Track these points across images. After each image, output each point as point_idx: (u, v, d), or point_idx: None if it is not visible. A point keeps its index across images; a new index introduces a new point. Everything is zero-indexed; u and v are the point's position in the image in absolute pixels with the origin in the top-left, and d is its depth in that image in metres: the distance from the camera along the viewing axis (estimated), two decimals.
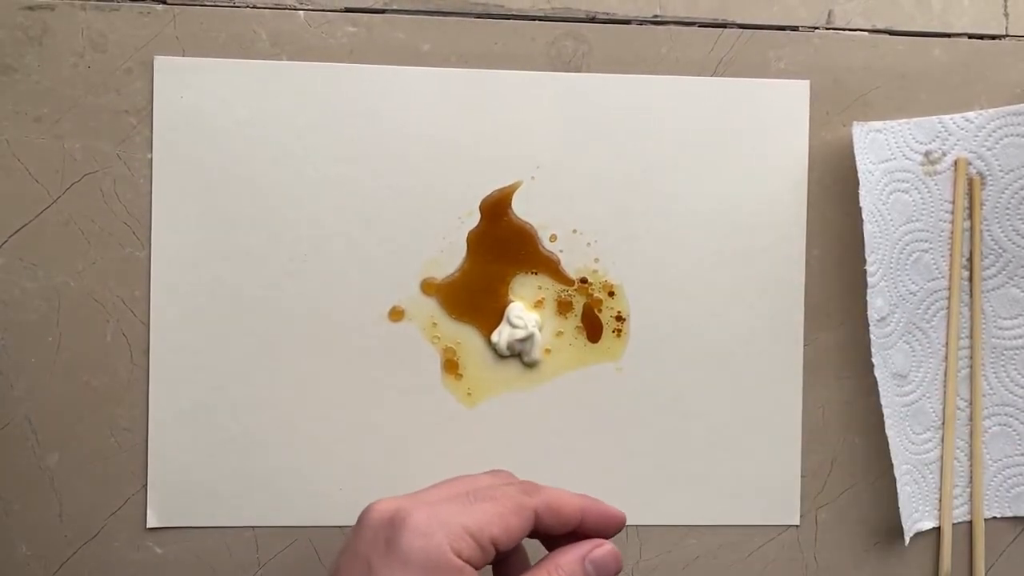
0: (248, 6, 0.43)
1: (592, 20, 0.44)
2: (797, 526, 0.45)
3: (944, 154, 0.45)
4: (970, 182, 0.45)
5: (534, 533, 0.33)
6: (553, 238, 0.44)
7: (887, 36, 0.45)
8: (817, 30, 0.45)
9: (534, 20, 0.44)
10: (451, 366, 0.44)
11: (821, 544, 0.45)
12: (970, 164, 0.45)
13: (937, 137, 0.45)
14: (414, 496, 0.32)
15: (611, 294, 0.44)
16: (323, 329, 0.43)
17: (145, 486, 0.43)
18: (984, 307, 0.46)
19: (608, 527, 0.34)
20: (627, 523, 0.44)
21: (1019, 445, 0.46)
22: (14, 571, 0.42)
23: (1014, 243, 0.45)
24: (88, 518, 0.43)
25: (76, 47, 0.42)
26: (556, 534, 0.33)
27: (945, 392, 0.46)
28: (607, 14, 0.44)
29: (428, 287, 0.44)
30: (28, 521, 0.43)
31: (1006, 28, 0.46)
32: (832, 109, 0.45)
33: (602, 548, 0.32)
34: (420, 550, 0.28)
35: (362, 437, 0.43)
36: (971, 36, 0.46)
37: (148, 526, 0.43)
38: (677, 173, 0.44)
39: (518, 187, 0.44)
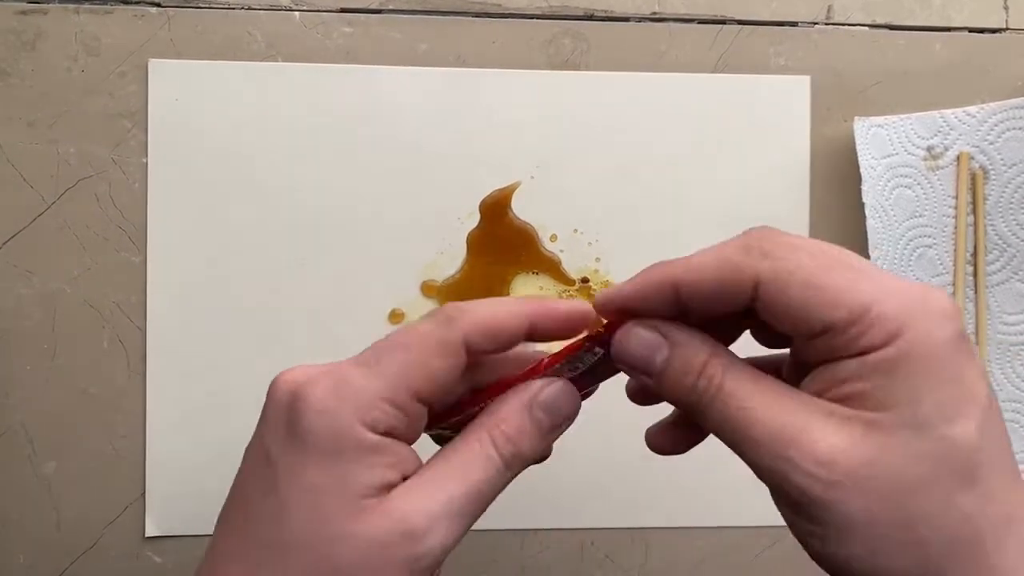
0: (243, 7, 0.42)
1: (590, 18, 0.44)
2: None
3: (946, 149, 0.44)
4: (973, 177, 0.45)
5: (485, 359, 0.26)
6: (554, 238, 0.44)
7: (887, 31, 0.45)
8: (817, 25, 0.45)
9: (532, 19, 0.44)
10: None
11: None
12: (972, 159, 0.44)
13: (939, 132, 0.44)
14: (325, 365, 0.25)
15: None
16: (323, 333, 0.43)
17: (143, 494, 0.42)
18: (989, 302, 0.45)
19: (572, 326, 0.26)
20: (633, 526, 0.44)
21: None
22: None
23: (1018, 237, 0.45)
24: (86, 527, 0.42)
25: (70, 51, 0.42)
26: (500, 353, 0.26)
27: None
28: (605, 12, 0.44)
29: (428, 289, 0.43)
30: (25, 531, 0.42)
31: (1006, 21, 0.46)
32: (833, 105, 0.45)
33: (552, 386, 0.26)
34: (324, 431, 0.23)
35: None
36: (971, 30, 0.45)
37: (147, 535, 0.42)
38: (678, 171, 0.44)
39: (518, 187, 0.43)
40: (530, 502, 0.44)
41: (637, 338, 0.24)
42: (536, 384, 0.26)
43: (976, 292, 0.45)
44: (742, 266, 0.22)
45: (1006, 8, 0.46)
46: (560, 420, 0.26)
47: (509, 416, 0.25)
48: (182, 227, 0.42)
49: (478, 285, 0.43)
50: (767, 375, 0.23)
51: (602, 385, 0.43)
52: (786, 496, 0.22)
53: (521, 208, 0.43)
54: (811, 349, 0.22)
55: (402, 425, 0.24)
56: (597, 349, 0.26)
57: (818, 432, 0.21)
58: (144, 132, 0.42)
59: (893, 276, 0.22)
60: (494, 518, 0.44)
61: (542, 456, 0.26)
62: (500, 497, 0.44)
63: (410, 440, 0.24)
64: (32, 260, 0.42)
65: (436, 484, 0.24)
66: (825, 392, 0.22)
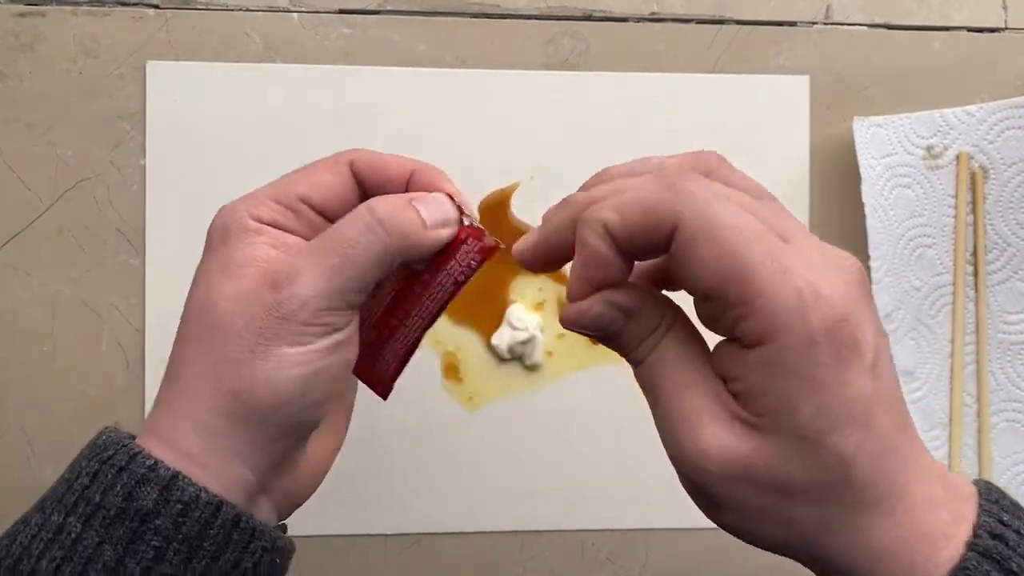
0: (241, 9, 0.42)
1: (589, 18, 0.44)
2: None
3: (946, 148, 0.44)
4: (972, 176, 0.45)
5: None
6: None
7: (886, 30, 0.45)
8: (816, 25, 0.45)
9: (530, 19, 0.44)
10: (451, 371, 0.43)
11: None
12: (972, 158, 0.44)
13: (938, 131, 0.44)
14: None
15: None
16: None
17: None
18: (989, 302, 0.45)
19: (443, 189, 0.29)
20: (634, 527, 0.44)
21: None
22: None
23: (1018, 237, 0.45)
24: None
25: (68, 53, 0.42)
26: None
27: (952, 389, 0.45)
28: (604, 12, 0.44)
29: None
30: None
31: (1005, 21, 0.46)
32: (832, 104, 0.44)
33: (433, 193, 0.28)
34: (220, 225, 0.27)
35: (363, 445, 0.43)
36: (970, 29, 0.45)
37: None
38: None
39: (517, 188, 0.43)
40: (530, 503, 0.44)
41: (593, 316, 0.25)
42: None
43: (976, 291, 0.45)
44: (663, 207, 0.23)
45: (1005, 8, 0.46)
46: (438, 216, 0.27)
47: (388, 199, 0.27)
48: (180, 229, 0.42)
49: (477, 286, 0.43)
50: (698, 346, 0.25)
51: (601, 382, 0.43)
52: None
53: (520, 209, 0.43)
54: (700, 309, 0.24)
55: (289, 221, 0.27)
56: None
57: (707, 423, 0.23)
58: (142, 134, 0.42)
59: (804, 258, 0.22)
60: (494, 519, 0.44)
61: (424, 252, 0.27)
62: (500, 498, 0.44)
63: (305, 237, 0.27)
64: (31, 262, 0.42)
65: (307, 247, 0.26)
66: (724, 379, 0.23)
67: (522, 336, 0.42)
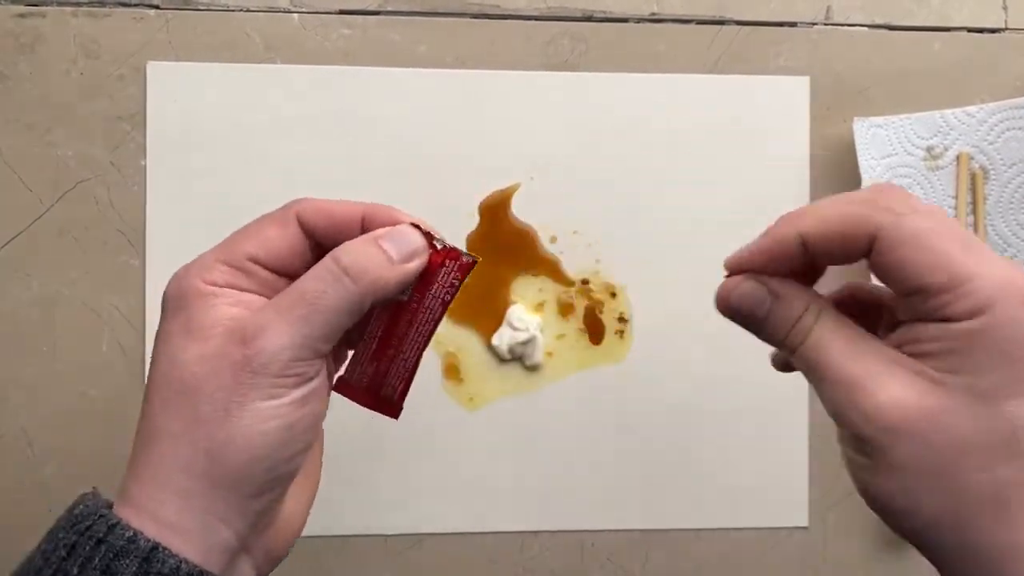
0: (241, 9, 0.42)
1: (589, 19, 0.44)
2: (806, 528, 0.45)
3: (946, 149, 0.44)
4: (973, 176, 0.45)
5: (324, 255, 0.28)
6: (553, 239, 0.43)
7: (886, 31, 0.45)
8: (816, 26, 0.45)
9: (530, 20, 0.44)
10: (452, 371, 0.43)
11: (830, 546, 0.45)
12: (972, 158, 0.44)
13: (939, 132, 0.44)
14: None
15: (613, 295, 0.44)
16: None
17: None
18: None
19: (402, 221, 0.29)
20: (635, 527, 0.44)
21: None
22: None
23: (1018, 237, 0.45)
24: None
25: (68, 54, 0.42)
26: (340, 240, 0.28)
27: None
28: (604, 13, 0.44)
29: None
30: (23, 533, 0.42)
31: (1005, 21, 0.46)
32: (833, 105, 0.44)
33: (399, 226, 0.28)
34: (174, 293, 0.27)
35: (363, 446, 0.43)
36: (970, 30, 0.45)
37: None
38: (677, 171, 0.44)
39: (517, 188, 0.43)
40: (530, 504, 0.44)
41: (741, 292, 0.27)
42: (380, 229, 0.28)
43: None
44: (864, 219, 0.24)
45: (1005, 8, 0.46)
46: (406, 248, 0.28)
47: (353, 243, 0.27)
48: (181, 229, 0.42)
49: (478, 287, 0.43)
50: (854, 326, 0.25)
51: (601, 383, 0.43)
52: (846, 431, 0.24)
53: (521, 209, 0.43)
54: (902, 306, 0.25)
55: (243, 281, 0.27)
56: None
57: (884, 380, 0.24)
58: (143, 134, 0.42)
59: (997, 257, 0.24)
60: (494, 520, 0.44)
61: (396, 288, 0.28)
62: (501, 498, 0.44)
63: (261, 295, 0.28)
64: (31, 263, 0.42)
65: (273, 302, 0.27)
66: (903, 345, 0.24)
67: (522, 337, 0.42)
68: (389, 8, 0.43)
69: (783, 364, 0.30)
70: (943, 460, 0.23)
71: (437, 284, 0.29)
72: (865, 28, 0.45)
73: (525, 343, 0.43)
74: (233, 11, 0.42)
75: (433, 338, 0.44)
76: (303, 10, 0.43)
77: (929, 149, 0.44)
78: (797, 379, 0.45)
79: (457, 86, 0.43)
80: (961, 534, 0.23)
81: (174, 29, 0.42)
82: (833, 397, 0.24)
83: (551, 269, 0.43)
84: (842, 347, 0.25)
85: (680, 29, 0.44)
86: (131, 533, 0.25)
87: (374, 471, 0.43)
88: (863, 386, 0.24)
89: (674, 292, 0.44)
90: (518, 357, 0.43)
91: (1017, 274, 0.23)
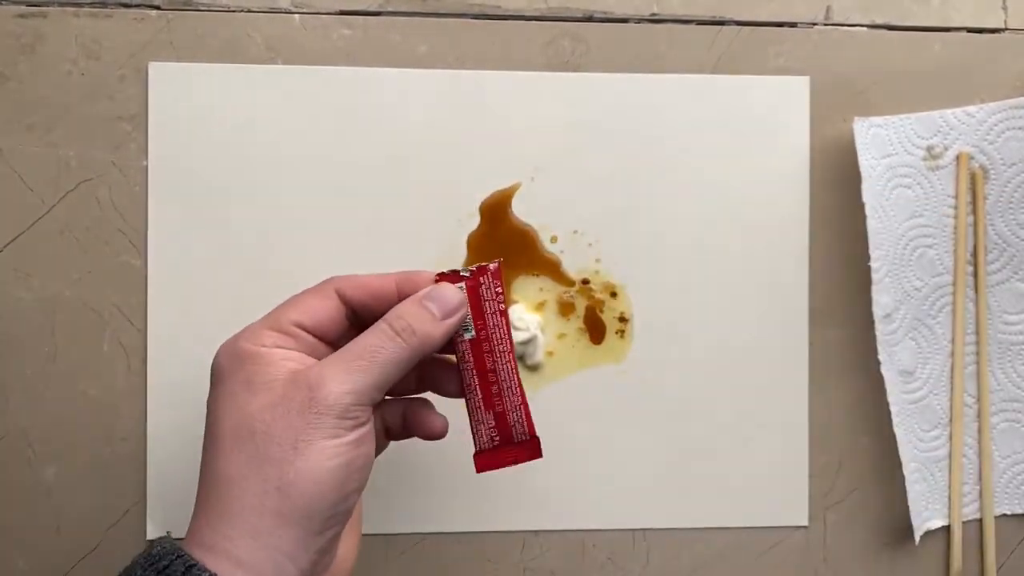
0: (242, 10, 0.42)
1: (589, 19, 0.44)
2: (806, 527, 0.45)
3: (946, 149, 0.44)
4: (972, 176, 0.45)
5: (360, 323, 0.32)
6: (554, 239, 0.44)
7: (886, 31, 0.45)
8: (816, 26, 0.45)
9: (531, 20, 0.44)
10: None
11: (830, 545, 0.45)
12: (972, 158, 0.45)
13: (939, 132, 0.44)
14: None
15: (613, 295, 0.44)
16: None
17: (144, 497, 0.42)
18: (989, 302, 0.45)
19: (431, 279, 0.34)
20: (634, 527, 0.44)
21: None
22: None
23: (1018, 237, 0.45)
24: (86, 531, 0.42)
25: (69, 54, 0.42)
26: (381, 311, 0.32)
27: (952, 389, 0.45)
28: (604, 13, 0.44)
29: None
30: (25, 535, 0.42)
31: (1005, 21, 0.46)
32: (832, 105, 0.45)
33: (438, 284, 0.32)
34: (227, 355, 0.30)
35: None
36: (970, 30, 0.46)
37: (148, 538, 0.42)
38: (678, 172, 0.44)
39: (518, 188, 0.43)
40: (531, 504, 0.44)
41: None
42: (428, 288, 0.32)
43: (976, 292, 0.45)
44: None
45: (1005, 8, 0.46)
46: (447, 306, 0.32)
47: (407, 307, 0.31)
48: (182, 229, 0.42)
49: None
50: None
51: (602, 382, 0.43)
52: None
53: (521, 209, 0.43)
54: None
55: (289, 343, 0.31)
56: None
57: None
58: (144, 135, 0.42)
59: None
60: (495, 520, 0.44)
61: (444, 339, 0.32)
62: (501, 499, 0.44)
63: (316, 356, 0.31)
64: (32, 263, 0.42)
65: (334, 355, 0.30)
66: None
67: (523, 336, 0.42)
68: (390, 9, 0.43)
69: None
70: None
71: (486, 302, 0.33)
72: (865, 28, 0.45)
73: (526, 343, 0.43)
74: (234, 12, 0.42)
75: None
76: (304, 11, 0.43)
77: (929, 149, 0.44)
78: (796, 377, 0.45)
79: (458, 86, 0.43)
80: None
81: (175, 29, 0.42)
82: None
83: (551, 269, 0.44)
84: None
85: (680, 29, 0.44)
86: (208, 573, 0.27)
87: (375, 471, 0.43)
88: None
89: (675, 292, 0.44)
90: (519, 356, 0.43)
91: None
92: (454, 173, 0.43)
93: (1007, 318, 0.45)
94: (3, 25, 0.41)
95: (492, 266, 0.33)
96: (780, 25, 0.45)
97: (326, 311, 0.31)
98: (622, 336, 0.44)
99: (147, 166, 0.42)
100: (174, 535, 0.42)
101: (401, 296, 0.32)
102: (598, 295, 0.44)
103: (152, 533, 0.42)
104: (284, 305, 0.32)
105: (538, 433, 0.34)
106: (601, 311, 0.44)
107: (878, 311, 0.43)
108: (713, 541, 0.45)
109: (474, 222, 0.43)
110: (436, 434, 0.35)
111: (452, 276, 0.33)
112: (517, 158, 0.43)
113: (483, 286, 0.33)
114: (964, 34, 0.45)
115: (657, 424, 0.44)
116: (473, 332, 0.33)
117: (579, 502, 0.44)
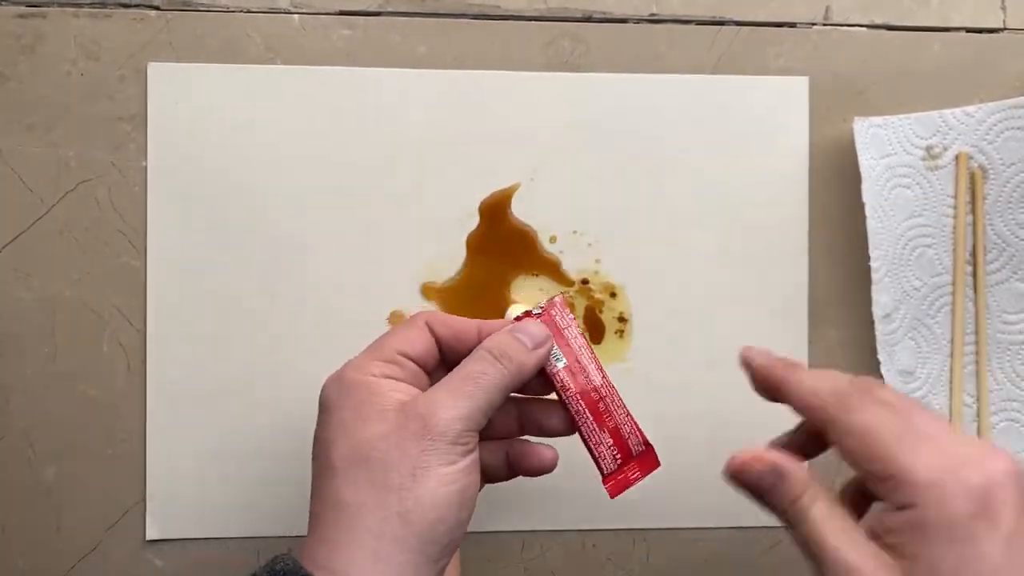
0: (242, 10, 0.42)
1: (589, 20, 0.44)
2: None
3: (945, 148, 0.44)
4: (972, 176, 0.45)
5: (452, 357, 0.34)
6: (553, 239, 0.44)
7: (886, 31, 0.45)
8: (815, 26, 0.45)
9: (531, 21, 0.44)
10: None
11: None
12: (971, 158, 0.45)
13: (938, 132, 0.44)
14: None
15: (613, 295, 0.44)
16: (323, 335, 0.43)
17: (144, 498, 0.42)
18: (989, 302, 0.45)
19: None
20: (634, 527, 0.44)
21: None
22: None
23: (1017, 237, 0.45)
24: (86, 531, 0.42)
25: (69, 54, 0.42)
26: (461, 351, 0.34)
27: (951, 388, 0.45)
28: (604, 13, 0.44)
29: (428, 291, 0.43)
30: (25, 535, 0.42)
31: (1004, 21, 0.46)
32: (832, 105, 0.45)
33: (522, 321, 0.34)
34: (336, 386, 0.32)
35: None
36: (969, 30, 0.46)
37: (148, 538, 0.42)
38: (677, 172, 0.44)
39: (517, 188, 0.43)
40: (531, 503, 0.44)
41: (755, 469, 0.31)
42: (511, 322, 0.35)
43: (975, 292, 0.45)
44: (821, 410, 0.30)
45: (1004, 8, 0.46)
46: (535, 338, 0.33)
47: (497, 339, 0.33)
48: (182, 230, 0.42)
49: (478, 287, 0.43)
50: (843, 513, 0.29)
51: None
52: None
53: (521, 209, 0.44)
54: (862, 478, 0.29)
55: (396, 372, 0.32)
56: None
57: (867, 572, 0.27)
58: (144, 135, 0.42)
59: (951, 444, 0.27)
60: (495, 519, 0.44)
61: (536, 368, 0.33)
62: (501, 498, 0.44)
63: (411, 384, 0.32)
64: (32, 264, 0.42)
65: (441, 384, 0.32)
66: (876, 537, 0.28)
67: None
68: (389, 9, 0.43)
69: (769, 395, 0.34)
70: None
71: (565, 329, 0.35)
72: (864, 28, 0.45)
73: None
74: (233, 12, 0.42)
75: None
76: (303, 11, 0.43)
77: (928, 149, 0.44)
78: None
79: (457, 86, 0.43)
80: None
81: (175, 30, 0.42)
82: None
83: (551, 269, 0.44)
84: (835, 534, 0.28)
85: (680, 30, 0.44)
86: None
87: None
88: (856, 572, 0.27)
89: (674, 292, 0.44)
90: None
91: (955, 460, 0.27)
92: (454, 173, 0.43)
93: (1006, 318, 0.45)
94: (3, 25, 0.41)
95: (557, 299, 0.35)
96: (779, 25, 0.45)
97: (422, 342, 0.33)
98: (621, 336, 0.44)
99: (146, 166, 0.42)
100: (177, 535, 0.42)
101: (481, 339, 0.34)
102: (597, 295, 0.44)
103: (152, 533, 0.42)
104: (385, 337, 0.33)
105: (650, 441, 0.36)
106: (600, 311, 0.44)
107: (877, 311, 0.43)
108: (713, 541, 0.45)
109: (473, 222, 0.43)
110: (547, 465, 0.35)
111: (527, 315, 0.35)
112: (517, 158, 0.43)
113: (557, 315, 0.35)
114: (963, 34, 0.45)
115: (657, 423, 0.44)
116: (564, 360, 0.34)
117: (579, 502, 0.44)
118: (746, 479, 0.31)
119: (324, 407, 0.32)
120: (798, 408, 0.31)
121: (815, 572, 0.29)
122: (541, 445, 0.35)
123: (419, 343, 0.33)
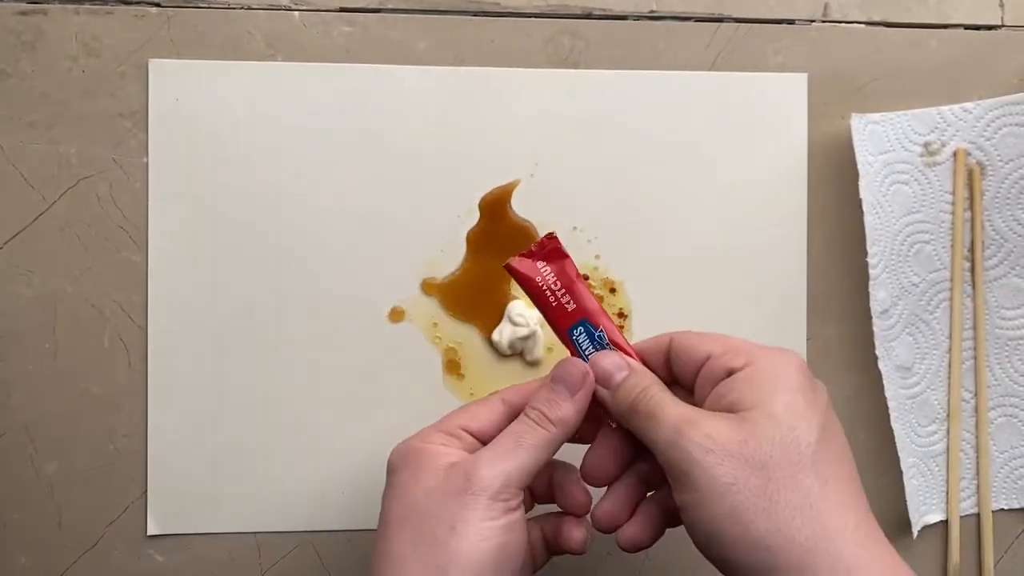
0: (242, 7, 0.43)
1: (588, 16, 0.44)
2: None
3: (943, 145, 0.45)
4: (970, 172, 0.45)
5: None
6: None
7: (884, 28, 0.45)
8: (814, 23, 0.45)
9: (530, 17, 0.44)
10: (453, 366, 0.43)
11: None
12: (969, 154, 0.45)
13: (936, 128, 0.44)
14: None
15: (612, 291, 0.44)
16: (323, 332, 0.43)
17: (145, 493, 0.42)
18: (987, 298, 0.46)
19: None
20: None
21: None
22: None
23: (1015, 233, 0.45)
24: (87, 526, 0.42)
25: (70, 51, 0.42)
26: None
27: (950, 384, 0.46)
28: (603, 10, 0.44)
29: (428, 287, 0.43)
30: (27, 531, 0.42)
31: (1002, 18, 0.46)
32: (830, 102, 0.45)
33: (561, 362, 0.35)
34: (402, 453, 0.34)
35: (364, 440, 0.43)
36: (967, 27, 0.46)
37: (148, 533, 0.42)
38: (676, 168, 0.44)
39: (517, 185, 0.44)
40: None
41: (610, 359, 0.35)
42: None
43: (974, 287, 0.45)
44: (664, 337, 0.35)
45: (1002, 5, 0.46)
46: (571, 382, 0.34)
47: (537, 393, 0.35)
48: (183, 226, 0.42)
49: (478, 283, 0.43)
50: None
51: None
52: (675, 467, 0.30)
53: (521, 206, 0.44)
54: (698, 384, 0.33)
55: (454, 443, 0.34)
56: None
57: (705, 421, 0.30)
58: (145, 132, 0.42)
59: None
60: None
61: (577, 417, 0.34)
62: None
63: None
64: (33, 260, 0.42)
65: (488, 445, 0.33)
66: (714, 406, 0.32)
67: (523, 332, 0.43)
68: (389, 6, 0.43)
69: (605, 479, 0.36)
70: (757, 478, 0.29)
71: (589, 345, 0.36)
72: (863, 25, 0.45)
73: (525, 338, 0.43)
74: (234, 9, 0.42)
75: (433, 334, 0.44)
76: (304, 8, 0.43)
77: (926, 145, 0.44)
78: None
79: (457, 83, 0.43)
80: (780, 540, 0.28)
81: (176, 27, 0.42)
82: (663, 433, 0.31)
83: None
84: (674, 404, 0.32)
85: (679, 26, 0.44)
86: None
87: (376, 468, 0.43)
88: (689, 425, 0.30)
89: (673, 287, 0.44)
90: (519, 352, 0.43)
91: (778, 350, 0.32)
92: (453, 170, 0.43)
93: (1004, 313, 0.46)
94: (4, 22, 0.41)
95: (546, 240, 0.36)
96: (778, 22, 0.45)
97: (488, 415, 0.35)
98: (621, 332, 0.44)
99: (147, 163, 0.42)
100: (178, 531, 0.42)
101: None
102: (597, 291, 0.44)
103: (153, 529, 0.42)
104: (454, 412, 0.35)
105: None
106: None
107: (876, 307, 0.43)
108: None
109: (473, 218, 0.43)
110: (573, 547, 0.36)
111: (529, 255, 0.36)
112: (516, 155, 0.43)
113: (578, 323, 0.36)
114: (961, 31, 0.46)
115: None
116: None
117: None
118: (600, 371, 0.34)
119: (388, 471, 0.34)
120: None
121: (663, 455, 0.31)
122: (571, 525, 0.37)
123: (483, 416, 0.35)
